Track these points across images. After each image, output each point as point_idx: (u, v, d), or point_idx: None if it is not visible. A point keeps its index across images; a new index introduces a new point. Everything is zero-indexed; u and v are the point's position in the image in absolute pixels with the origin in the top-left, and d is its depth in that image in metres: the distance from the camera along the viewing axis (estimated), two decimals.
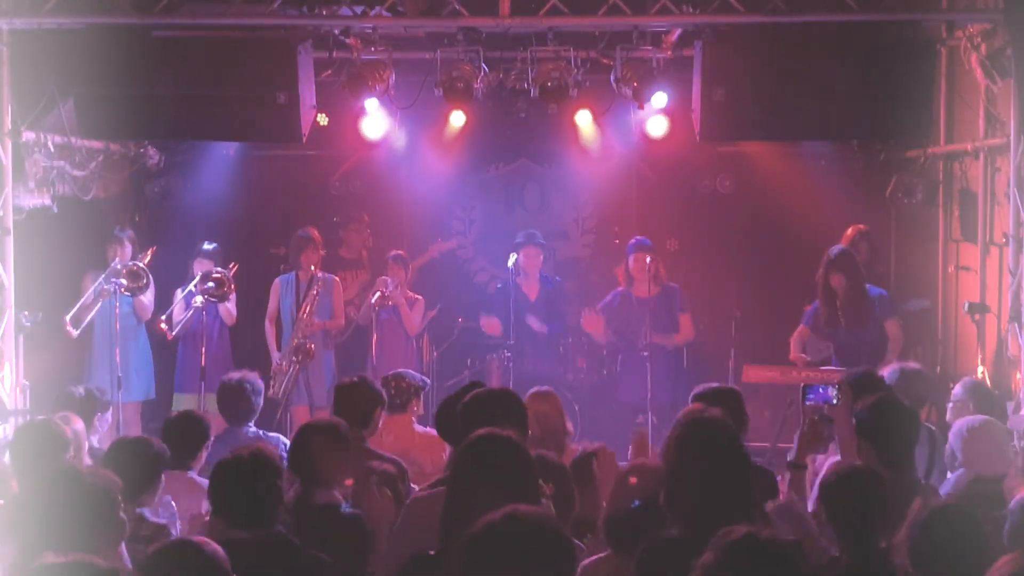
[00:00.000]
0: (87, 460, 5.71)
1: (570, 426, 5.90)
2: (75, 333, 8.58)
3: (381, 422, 6.53)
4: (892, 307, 8.46)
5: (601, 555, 4.05)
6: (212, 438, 6.02)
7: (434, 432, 6.57)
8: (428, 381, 7.38)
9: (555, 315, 9.61)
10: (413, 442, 6.38)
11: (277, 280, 9.36)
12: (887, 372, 6.62)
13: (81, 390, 6.78)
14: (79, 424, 5.93)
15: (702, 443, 3.72)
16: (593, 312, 9.30)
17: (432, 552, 3.60)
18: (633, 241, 9.37)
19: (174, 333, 8.87)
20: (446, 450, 6.27)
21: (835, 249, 8.35)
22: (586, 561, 4.02)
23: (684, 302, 9.30)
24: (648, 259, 9.06)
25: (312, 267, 9.11)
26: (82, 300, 8.64)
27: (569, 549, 2.92)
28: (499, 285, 9.85)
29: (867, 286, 8.31)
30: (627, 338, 9.28)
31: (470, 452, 3.68)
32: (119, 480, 4.11)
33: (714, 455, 3.69)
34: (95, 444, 6.58)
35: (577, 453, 4.94)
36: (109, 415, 7.00)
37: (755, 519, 3.61)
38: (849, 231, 9.33)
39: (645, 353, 8.96)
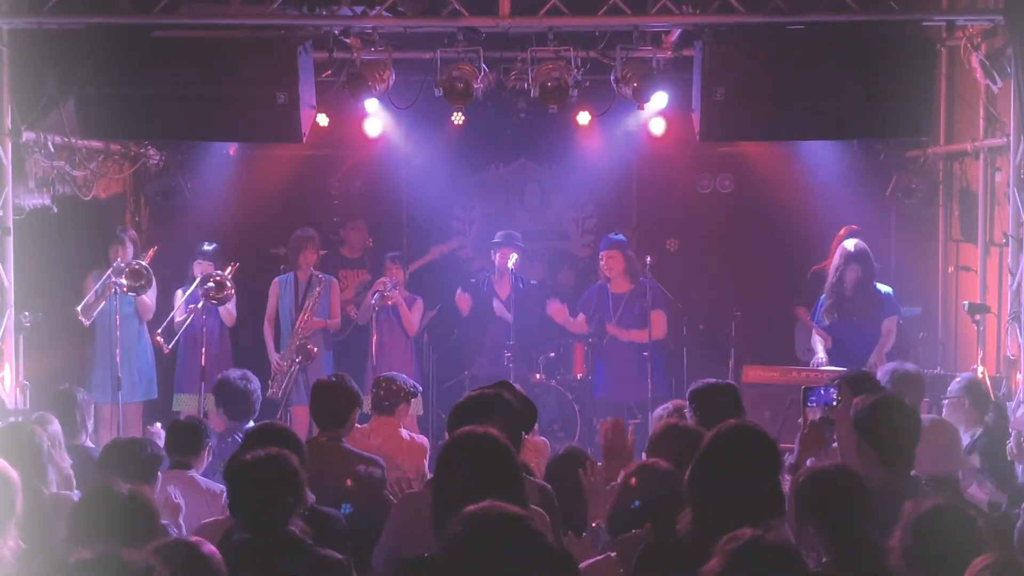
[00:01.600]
0: (66, 459, 5.67)
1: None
2: (87, 322, 8.60)
3: (369, 423, 6.59)
4: (896, 306, 8.51)
5: (601, 557, 4.04)
6: (214, 438, 6.05)
7: (420, 440, 6.65)
8: (420, 388, 7.42)
9: (523, 312, 9.44)
10: (400, 448, 6.41)
11: (276, 280, 9.35)
12: (881, 372, 6.63)
13: (68, 388, 6.83)
14: (55, 425, 5.91)
15: (742, 452, 3.62)
16: (557, 300, 9.27)
17: (426, 554, 3.60)
18: (604, 237, 9.30)
19: (171, 346, 8.83)
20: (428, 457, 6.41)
21: (854, 244, 8.37)
22: (586, 564, 4.00)
23: (658, 298, 9.13)
24: (617, 256, 9.02)
25: (310, 267, 9.11)
26: (88, 296, 8.63)
27: (544, 547, 2.91)
28: (472, 280, 9.84)
29: (876, 283, 8.37)
30: (602, 334, 9.24)
31: (451, 450, 3.75)
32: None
33: (752, 464, 3.61)
34: (87, 442, 6.63)
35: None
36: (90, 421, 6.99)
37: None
38: (842, 231, 9.31)
39: (645, 354, 8.90)
